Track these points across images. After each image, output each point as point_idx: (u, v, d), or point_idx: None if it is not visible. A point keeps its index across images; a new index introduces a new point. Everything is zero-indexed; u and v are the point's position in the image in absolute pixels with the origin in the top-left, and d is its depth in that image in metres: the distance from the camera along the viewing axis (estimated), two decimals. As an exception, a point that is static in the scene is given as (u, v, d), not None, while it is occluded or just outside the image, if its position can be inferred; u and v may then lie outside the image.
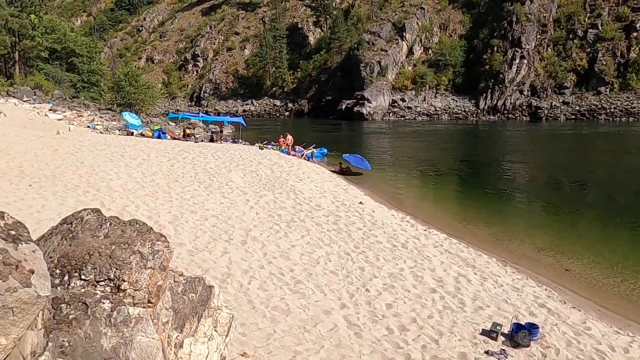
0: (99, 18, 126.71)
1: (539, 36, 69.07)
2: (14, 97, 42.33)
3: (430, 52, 77.89)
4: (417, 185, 23.51)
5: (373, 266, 9.76)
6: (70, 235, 3.87)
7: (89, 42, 62.29)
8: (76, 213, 4.08)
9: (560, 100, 63.61)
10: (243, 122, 35.98)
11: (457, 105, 70.71)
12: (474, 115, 68.24)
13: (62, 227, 3.97)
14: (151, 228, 3.96)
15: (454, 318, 7.72)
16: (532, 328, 7.19)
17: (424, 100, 72.83)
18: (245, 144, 30.32)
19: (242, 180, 16.73)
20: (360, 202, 15.79)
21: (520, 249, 13.45)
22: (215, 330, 4.63)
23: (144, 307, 3.65)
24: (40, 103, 41.55)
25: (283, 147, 28.66)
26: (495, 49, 69.49)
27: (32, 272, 3.16)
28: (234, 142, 32.09)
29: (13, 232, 3.44)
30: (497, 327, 7.14)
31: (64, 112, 38.57)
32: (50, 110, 37.35)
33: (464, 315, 7.89)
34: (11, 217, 3.64)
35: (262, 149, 27.42)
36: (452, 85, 73.29)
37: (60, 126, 27.15)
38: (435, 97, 73.20)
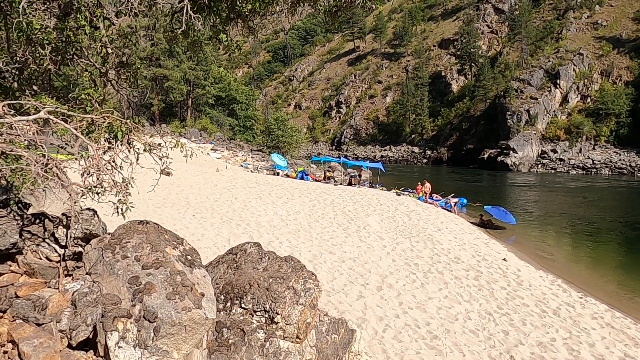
0: (258, 69, 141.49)
1: None
2: (184, 137, 48.84)
3: (588, 100, 71.28)
4: (569, 245, 21.14)
5: (519, 331, 8.89)
6: (235, 265, 4.25)
7: (247, 90, 69.78)
8: (240, 245, 4.48)
9: None
10: (382, 168, 36.45)
11: (620, 159, 62.89)
12: (643, 171, 59.90)
13: (228, 257, 4.39)
14: (304, 266, 4.18)
15: (620, 406, 6.60)
16: None
17: (580, 152, 66.26)
18: (382, 189, 30.55)
19: (379, 225, 16.79)
20: (504, 259, 14.68)
21: None
22: (354, 376, 4.61)
23: (292, 342, 3.81)
24: (204, 143, 47.27)
25: (420, 195, 28.23)
26: (672, 96, 60.94)
27: (203, 295, 3.52)
28: (371, 186, 32.57)
29: (189, 257, 3.89)
30: None
31: (223, 151, 43.29)
32: (212, 149, 42.20)
33: (634, 405, 6.71)
34: (188, 243, 4.14)
35: (399, 195, 27.32)
36: (615, 136, 65.66)
37: (219, 164, 30.41)
38: (594, 149, 66.16)
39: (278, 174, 33.88)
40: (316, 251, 12.14)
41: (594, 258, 19.26)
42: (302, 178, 31.71)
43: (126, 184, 4.19)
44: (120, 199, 4.23)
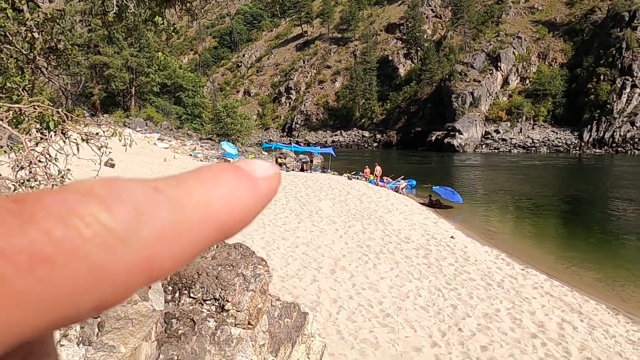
0: (204, 55, 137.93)
1: (653, 63, 63.40)
2: (129, 127, 47.05)
3: (527, 82, 74.61)
4: (512, 221, 22.23)
5: (466, 304, 9.30)
6: (182, 255, 4.17)
7: (194, 77, 67.91)
8: (187, 235, 4.40)
9: (681, 133, 57.39)
10: (333, 153, 36.69)
11: (557, 138, 66.49)
12: (577, 148, 63.61)
13: (175, 247, 4.30)
14: (253, 252, 4.16)
15: (558, 368, 7.08)
16: (653, 388, 6.37)
17: (520, 132, 69.45)
18: (334, 174, 30.79)
19: (331, 209, 16.96)
20: (452, 237, 15.24)
21: (635, 296, 12.09)
22: (308, 358, 4.67)
23: (244, 329, 3.80)
24: (150, 133, 45.76)
25: (371, 178, 28.71)
26: (602, 77, 64.78)
27: (149, 287, 3.44)
28: (323, 171, 32.75)
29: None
30: (610, 383, 6.42)
31: (170, 141, 42.08)
32: (158, 139, 40.93)
33: (570, 366, 7.21)
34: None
35: (351, 179, 27.65)
36: (552, 116, 69.24)
37: (167, 154, 29.58)
38: (533, 128, 69.53)
39: (229, 162, 33.32)
40: (269, 238, 12.12)
41: (535, 232, 20.37)
42: (253, 165, 31.38)
43: (62, 177, 3.99)
44: (56, 193, 4.02)
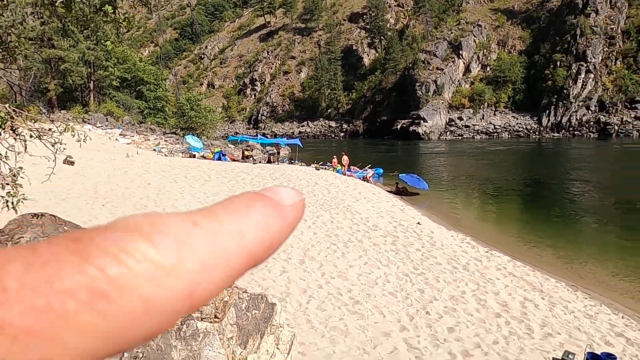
0: (165, 48, 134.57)
1: (606, 49, 65.83)
2: (88, 123, 45.56)
3: (488, 69, 76.29)
4: (476, 206, 22.83)
5: (433, 288, 9.51)
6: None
7: (155, 70, 66.19)
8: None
9: (632, 115, 59.95)
10: (300, 144, 36.63)
11: (517, 123, 68.41)
12: (537, 133, 65.66)
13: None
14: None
15: (521, 345, 7.34)
16: (608, 358, 6.70)
17: (483, 118, 71.08)
18: (301, 165, 30.77)
19: (299, 200, 16.96)
20: (418, 223, 15.51)
21: (592, 273, 12.66)
22: (277, 348, 4.68)
23: (211, 322, 3.77)
24: (111, 128, 44.46)
25: (339, 168, 28.84)
26: (558, 63, 66.93)
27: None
28: (290, 163, 32.68)
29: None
30: (570, 356, 6.71)
31: (133, 136, 41.02)
32: (120, 135, 39.84)
33: (532, 342, 7.49)
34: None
35: (318, 169, 27.71)
36: (513, 102, 71.14)
37: (129, 150, 28.84)
38: (495, 114, 71.26)
39: (194, 156, 32.85)
40: (237, 231, 12.03)
41: (498, 215, 20.99)
42: (219, 159, 31.02)
43: (14, 175, 3.84)
44: (9, 192, 3.87)
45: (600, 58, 65.29)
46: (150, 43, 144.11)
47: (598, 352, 7.02)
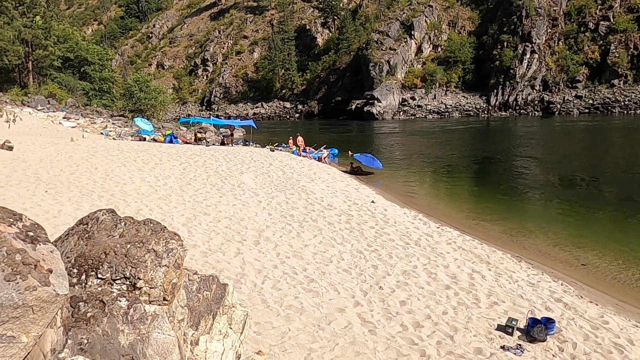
0: (110, 26, 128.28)
1: (549, 30, 68.34)
2: (28, 106, 43.04)
3: (439, 49, 77.57)
4: (429, 184, 23.43)
5: (386, 264, 9.75)
6: (87, 235, 3.94)
7: (100, 50, 63.02)
8: (92, 214, 4.16)
9: (573, 94, 62.89)
10: (254, 125, 36.18)
11: (467, 102, 70.28)
12: (485, 112, 67.74)
13: (79, 228, 4.05)
14: (165, 227, 4.03)
15: (468, 314, 7.68)
16: (548, 322, 7.13)
17: (434, 98, 72.50)
18: (256, 147, 30.46)
19: (253, 182, 16.82)
20: (372, 201, 15.78)
21: (535, 244, 13.33)
22: (230, 328, 4.68)
23: (159, 305, 3.71)
24: (54, 111, 42.20)
25: (294, 149, 28.77)
26: (505, 44, 68.95)
27: (51, 271, 3.24)
28: (245, 144, 32.28)
29: (31, 234, 3.52)
30: (513, 322, 7.09)
31: (78, 119, 39.11)
32: (64, 118, 37.90)
33: (479, 311, 7.85)
34: (29, 219, 3.73)
35: (274, 151, 27.53)
36: (463, 82, 72.88)
37: (74, 133, 27.54)
38: (446, 94, 72.84)
39: (144, 139, 31.79)
40: (190, 214, 11.82)
41: (450, 192, 21.66)
42: (171, 141, 30.20)
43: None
44: None
45: (544, 39, 67.76)
46: (94, 21, 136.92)
47: (539, 317, 7.45)
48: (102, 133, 33.69)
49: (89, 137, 28.65)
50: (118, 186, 13.79)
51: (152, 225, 3.95)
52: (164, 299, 3.73)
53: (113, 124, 40.49)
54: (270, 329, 6.70)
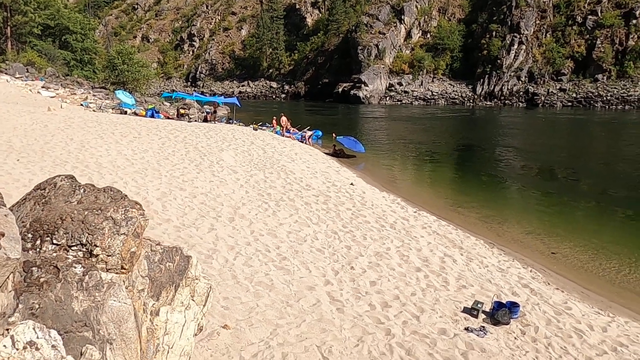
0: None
1: (537, 22, 68.52)
2: (6, 73, 41.83)
3: (428, 36, 77.26)
4: (411, 169, 23.54)
5: (360, 245, 9.80)
6: (43, 200, 3.85)
7: (82, 19, 61.25)
8: (50, 179, 4.05)
9: (557, 87, 63.46)
10: (237, 103, 35.75)
11: (454, 90, 70.45)
12: (471, 101, 68.05)
13: (36, 193, 3.95)
14: (125, 195, 3.95)
15: (436, 296, 7.79)
16: (512, 306, 7.27)
17: (421, 84, 72.48)
18: (239, 125, 30.16)
19: (233, 159, 16.68)
20: (352, 184, 15.79)
21: (509, 232, 13.54)
22: (193, 300, 4.65)
23: (117, 273, 3.65)
24: (32, 80, 41.10)
25: (277, 129, 28.56)
26: (494, 33, 68.99)
27: (3, 234, 3.15)
28: (228, 122, 31.92)
29: (-16, 196, 3.41)
30: (479, 305, 7.22)
31: (57, 89, 38.14)
32: (42, 87, 36.94)
33: (447, 293, 7.97)
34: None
35: (257, 130, 27.30)
36: (450, 70, 72.88)
37: (52, 103, 26.89)
38: (433, 81, 72.84)
39: (126, 112, 31.21)
40: (165, 189, 11.68)
41: (431, 178, 21.82)
42: (152, 116, 29.71)
43: None
44: None
45: (532, 30, 67.95)
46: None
47: (504, 301, 7.59)
48: (82, 104, 32.95)
49: (68, 107, 27.99)
50: (93, 158, 13.54)
51: (112, 193, 3.87)
52: (122, 268, 3.68)
53: (94, 95, 39.57)
54: (239, 304, 6.70)
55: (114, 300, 3.46)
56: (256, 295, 7.03)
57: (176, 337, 4.38)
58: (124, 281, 3.70)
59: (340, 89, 72.77)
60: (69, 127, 18.18)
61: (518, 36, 67.08)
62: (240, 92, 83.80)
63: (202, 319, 4.83)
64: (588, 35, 64.04)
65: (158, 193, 11.22)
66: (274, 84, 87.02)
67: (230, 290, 7.08)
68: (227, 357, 5.34)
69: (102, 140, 16.41)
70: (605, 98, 59.50)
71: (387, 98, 71.91)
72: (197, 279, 4.67)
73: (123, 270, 3.69)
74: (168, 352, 4.26)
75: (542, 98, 63.18)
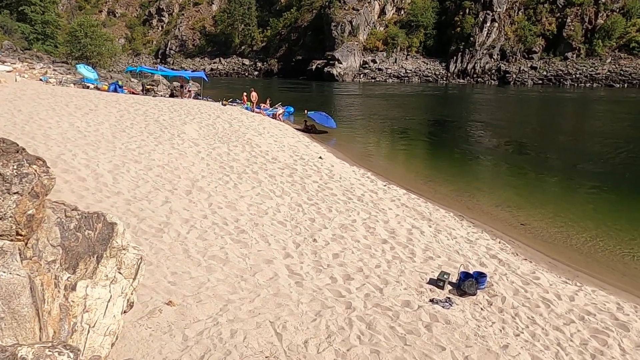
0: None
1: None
2: (-42, 46, 39.30)
3: (402, 12, 76.50)
4: (383, 145, 23.16)
5: (324, 217, 9.35)
6: None
7: (42, -10, 57.99)
8: None
9: (529, 65, 63.89)
10: (205, 77, 34.57)
11: (427, 68, 70.21)
12: (444, 79, 67.98)
13: None
14: (23, 148, 3.33)
15: (402, 268, 7.42)
16: (479, 277, 6.96)
17: (395, 62, 71.98)
18: (209, 101, 29.13)
19: (196, 132, 15.92)
20: (320, 157, 15.29)
21: (479, 205, 13.31)
22: (120, 273, 4.09)
23: (11, 240, 3.06)
24: (-13, 53, 38.75)
25: (247, 105, 27.69)
26: (467, 11, 68.70)
27: None
28: (196, 98, 30.83)
29: None
30: (445, 276, 6.88)
31: (14, 64, 36.08)
32: (-2, 61, 34.84)
33: (413, 265, 7.61)
34: None
35: (225, 105, 26.38)
36: (424, 47, 72.51)
37: (8, 77, 25.32)
38: (406, 59, 72.42)
39: (88, 87, 29.74)
40: (119, 161, 10.93)
41: (403, 153, 21.49)
42: (115, 91, 28.37)
43: None
44: None
45: (505, 8, 67.94)
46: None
47: (471, 271, 7.28)
48: (41, 79, 31.23)
49: (25, 82, 26.42)
50: (41, 129, 12.61)
51: (3, 145, 3.25)
52: (17, 234, 3.09)
53: (54, 70, 37.61)
54: (188, 279, 6.17)
55: (4, 272, 2.88)
56: (208, 269, 6.50)
57: (99, 314, 3.83)
58: (20, 249, 3.11)
59: (313, 67, 71.70)
60: (19, 98, 17.03)
61: (491, 14, 66.98)
62: (212, 70, 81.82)
63: (132, 294, 4.29)
64: (559, 14, 64.41)
65: (110, 165, 10.47)
66: (247, 61, 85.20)
67: (180, 264, 6.54)
68: (168, 336, 4.82)
69: (54, 112, 15.39)
70: (574, 76, 60.23)
71: (361, 75, 71.23)
72: (124, 249, 4.11)
73: (19, 237, 3.10)
74: (88, 332, 3.71)
75: (514, 76, 63.57)
